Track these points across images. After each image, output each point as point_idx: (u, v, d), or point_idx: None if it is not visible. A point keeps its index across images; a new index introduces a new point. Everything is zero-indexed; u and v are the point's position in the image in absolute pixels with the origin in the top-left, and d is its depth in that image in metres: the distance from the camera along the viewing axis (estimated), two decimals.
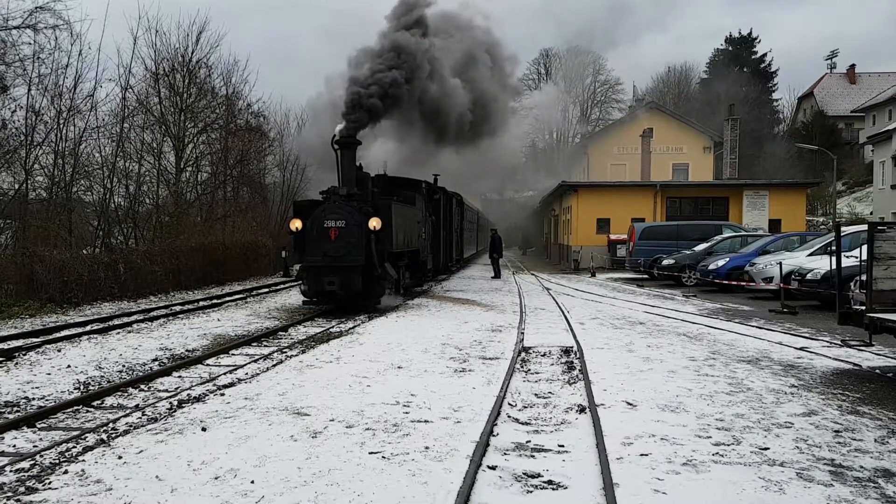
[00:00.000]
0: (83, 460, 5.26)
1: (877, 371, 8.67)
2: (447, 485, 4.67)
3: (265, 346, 11.15)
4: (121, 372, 9.07)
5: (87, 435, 6.01)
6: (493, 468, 5.08)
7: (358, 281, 14.53)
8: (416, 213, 18.44)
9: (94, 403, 7.39)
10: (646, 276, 26.04)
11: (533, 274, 29.91)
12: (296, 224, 15.11)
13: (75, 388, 8.09)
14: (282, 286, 22.01)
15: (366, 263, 14.55)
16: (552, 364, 9.23)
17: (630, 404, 6.88)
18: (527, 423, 6.31)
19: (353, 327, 12.67)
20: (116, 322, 13.60)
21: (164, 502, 4.46)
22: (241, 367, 9.22)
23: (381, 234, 14.79)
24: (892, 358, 9.40)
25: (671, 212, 32.71)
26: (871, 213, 37.95)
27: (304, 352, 10.16)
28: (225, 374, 8.75)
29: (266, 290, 21.53)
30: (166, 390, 8.01)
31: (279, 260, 20.39)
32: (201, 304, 17.47)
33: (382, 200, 15.87)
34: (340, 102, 16.80)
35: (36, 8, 18.92)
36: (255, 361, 9.61)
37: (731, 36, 68.72)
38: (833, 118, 58.42)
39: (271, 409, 6.67)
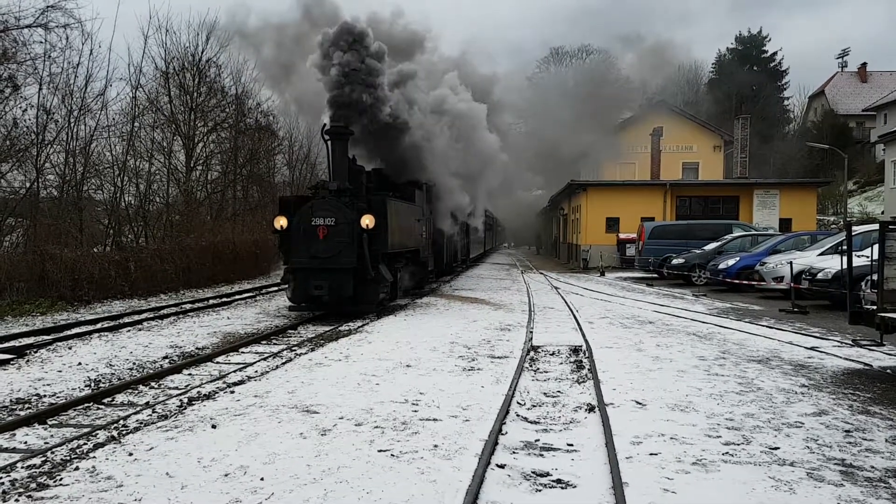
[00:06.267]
0: (94, 457, 5.29)
1: (888, 371, 8.62)
2: (456, 483, 4.68)
3: (274, 344, 11.18)
4: (131, 369, 9.11)
5: (97, 432, 6.04)
6: (502, 466, 5.08)
7: (349, 285, 13.49)
8: (416, 210, 17.30)
9: (105, 401, 7.43)
10: (655, 275, 25.96)
11: (542, 273, 29.88)
12: (280, 222, 13.88)
13: (86, 386, 8.13)
14: None
15: (357, 265, 13.51)
16: (561, 363, 9.22)
17: (639, 403, 6.86)
18: (536, 422, 6.31)
19: (361, 326, 12.69)
20: (127, 320, 13.66)
21: (174, 499, 4.48)
22: (251, 364, 9.25)
23: (375, 233, 13.67)
24: None
25: (681, 211, 32.59)
26: (883, 213, 37.67)
27: (313, 350, 10.18)
28: (235, 371, 8.78)
29: (275, 288, 21.57)
30: (176, 388, 8.05)
31: None
32: (211, 302, 17.53)
33: (376, 196, 14.71)
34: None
35: (47, 7, 19.02)
36: (265, 359, 9.64)
37: (740, 35, 68.41)
38: (844, 117, 58.06)
39: (281, 407, 6.69)
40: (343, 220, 13.60)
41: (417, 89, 18.65)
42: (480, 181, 21.81)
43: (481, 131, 20.93)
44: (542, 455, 5.39)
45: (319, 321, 13.70)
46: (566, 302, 17.04)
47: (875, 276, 8.68)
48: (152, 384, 8.22)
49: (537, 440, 5.74)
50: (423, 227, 18.32)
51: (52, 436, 6.18)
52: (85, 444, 5.71)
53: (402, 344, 10.44)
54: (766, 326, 12.62)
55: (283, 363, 9.16)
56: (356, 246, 13.55)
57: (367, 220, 13.53)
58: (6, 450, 5.74)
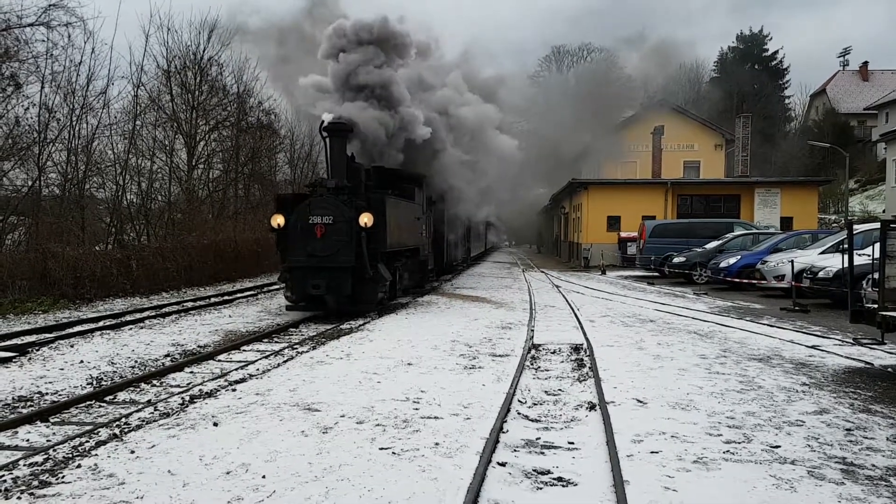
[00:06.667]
0: (96, 455, 5.30)
1: (889, 369, 8.62)
2: (457, 481, 4.68)
3: (276, 342, 11.19)
4: (133, 367, 9.12)
5: (99, 430, 6.05)
6: (503, 465, 5.09)
7: (347, 284, 13.27)
8: (416, 208, 17.07)
9: (107, 398, 7.44)
10: (656, 273, 25.97)
11: (543, 271, 29.88)
12: (277, 220, 13.66)
13: (88, 384, 8.14)
14: None
15: (356, 264, 13.27)
16: (562, 361, 9.23)
17: (640, 402, 6.87)
18: (537, 420, 6.31)
19: (363, 324, 12.69)
20: (129, 318, 13.68)
21: (175, 496, 4.49)
22: (253, 362, 9.26)
23: (374, 232, 13.44)
24: None
25: (682, 209, 32.59)
26: (884, 211, 37.65)
27: (314, 348, 10.19)
28: (236, 369, 8.79)
29: (277, 286, 21.55)
30: (178, 386, 8.06)
31: None
32: (213, 300, 17.54)
33: (375, 194, 14.46)
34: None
35: (50, 5, 19.05)
36: (266, 357, 9.65)
37: (741, 33, 68.30)
38: (845, 115, 58.03)
39: (282, 405, 6.70)
40: (341, 218, 13.36)
41: (428, 94, 18.76)
42: (484, 182, 21.81)
43: (489, 135, 20.92)
44: (543, 453, 5.39)
45: (321, 319, 13.67)
46: (567, 300, 17.04)
47: (876, 275, 8.67)
48: (154, 382, 8.24)
49: (538, 438, 5.75)
50: (424, 226, 18.11)
51: (54, 433, 6.19)
52: (87, 441, 5.72)
53: (403, 342, 10.45)
54: (768, 325, 12.62)
55: (285, 361, 9.17)
56: (354, 244, 13.32)
57: (366, 219, 13.30)
58: (8, 447, 5.76)
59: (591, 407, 6.71)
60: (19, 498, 4.48)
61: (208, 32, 27.42)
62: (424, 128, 17.04)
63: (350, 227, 13.36)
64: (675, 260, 24.06)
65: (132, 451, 5.34)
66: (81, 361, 9.39)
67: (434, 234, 19.99)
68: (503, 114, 23.85)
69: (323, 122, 14.61)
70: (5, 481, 4.77)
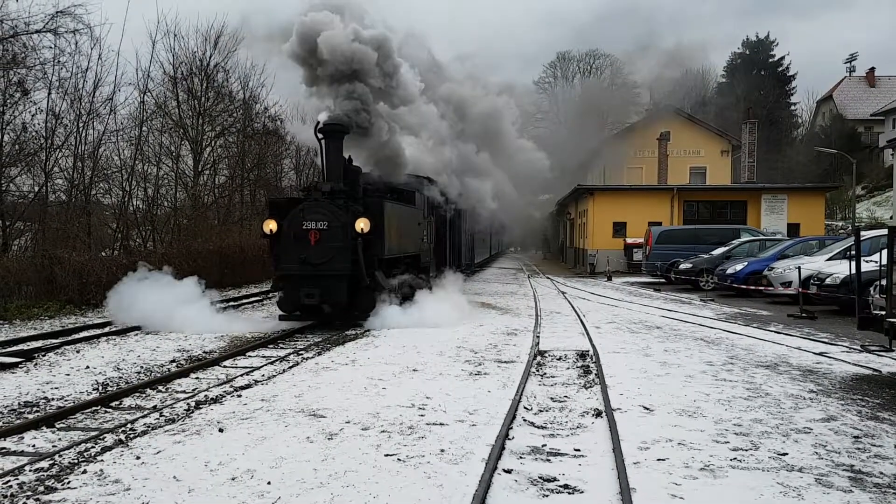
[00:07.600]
0: (102, 460, 5.31)
1: None
2: (462, 488, 4.67)
3: (281, 347, 11.19)
4: (139, 373, 9.13)
5: (105, 435, 6.06)
6: (509, 472, 5.07)
7: (343, 292, 12.74)
8: (416, 213, 16.46)
9: (113, 404, 7.44)
10: (663, 280, 25.91)
11: (548, 277, 29.84)
12: (270, 226, 13.14)
13: (94, 389, 8.15)
14: None
15: (352, 272, 12.78)
16: (568, 368, 9.20)
17: (647, 409, 6.84)
18: (542, 427, 6.29)
19: (368, 330, 12.67)
20: (135, 323, 13.65)
21: (181, 502, 4.49)
22: (258, 368, 9.26)
23: (371, 238, 12.89)
24: None
25: (688, 215, 32.53)
26: (891, 217, 37.51)
27: (319, 354, 10.19)
28: (242, 375, 8.80)
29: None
30: (184, 391, 8.06)
31: None
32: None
33: (373, 198, 13.89)
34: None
35: (57, 12, 19.14)
36: (272, 363, 9.66)
37: (748, 39, 68.25)
38: (852, 121, 57.95)
39: (287, 411, 6.70)
40: (336, 223, 12.82)
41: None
42: (490, 188, 21.77)
43: (509, 140, 20.90)
44: (549, 460, 5.37)
45: (326, 325, 13.61)
46: (573, 307, 17.01)
47: (884, 282, 8.63)
48: (160, 388, 8.24)
49: (544, 445, 5.73)
50: (425, 231, 17.67)
51: (59, 439, 6.19)
52: (93, 447, 5.72)
53: (408, 348, 10.44)
54: (775, 332, 12.57)
55: (290, 367, 9.18)
56: (350, 251, 12.78)
57: (362, 224, 12.77)
58: (14, 453, 5.76)
59: (598, 414, 6.69)
60: (25, 503, 4.48)
61: (215, 39, 27.53)
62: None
63: (345, 232, 12.80)
64: (682, 266, 23.99)
65: (138, 457, 5.34)
66: (87, 367, 9.41)
67: (436, 240, 19.62)
68: (521, 120, 23.96)
69: (318, 122, 14.02)
70: (11, 487, 4.78)
